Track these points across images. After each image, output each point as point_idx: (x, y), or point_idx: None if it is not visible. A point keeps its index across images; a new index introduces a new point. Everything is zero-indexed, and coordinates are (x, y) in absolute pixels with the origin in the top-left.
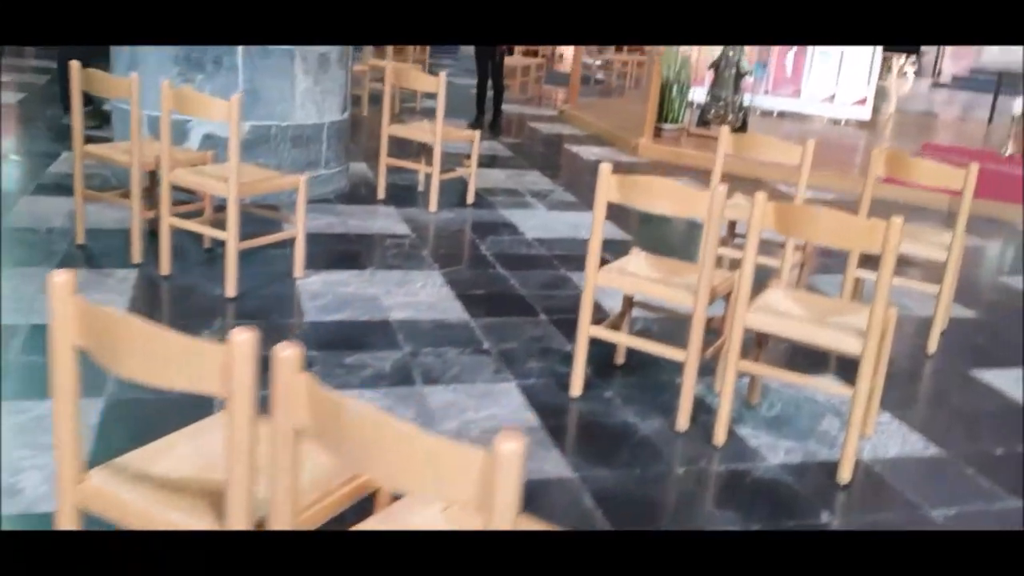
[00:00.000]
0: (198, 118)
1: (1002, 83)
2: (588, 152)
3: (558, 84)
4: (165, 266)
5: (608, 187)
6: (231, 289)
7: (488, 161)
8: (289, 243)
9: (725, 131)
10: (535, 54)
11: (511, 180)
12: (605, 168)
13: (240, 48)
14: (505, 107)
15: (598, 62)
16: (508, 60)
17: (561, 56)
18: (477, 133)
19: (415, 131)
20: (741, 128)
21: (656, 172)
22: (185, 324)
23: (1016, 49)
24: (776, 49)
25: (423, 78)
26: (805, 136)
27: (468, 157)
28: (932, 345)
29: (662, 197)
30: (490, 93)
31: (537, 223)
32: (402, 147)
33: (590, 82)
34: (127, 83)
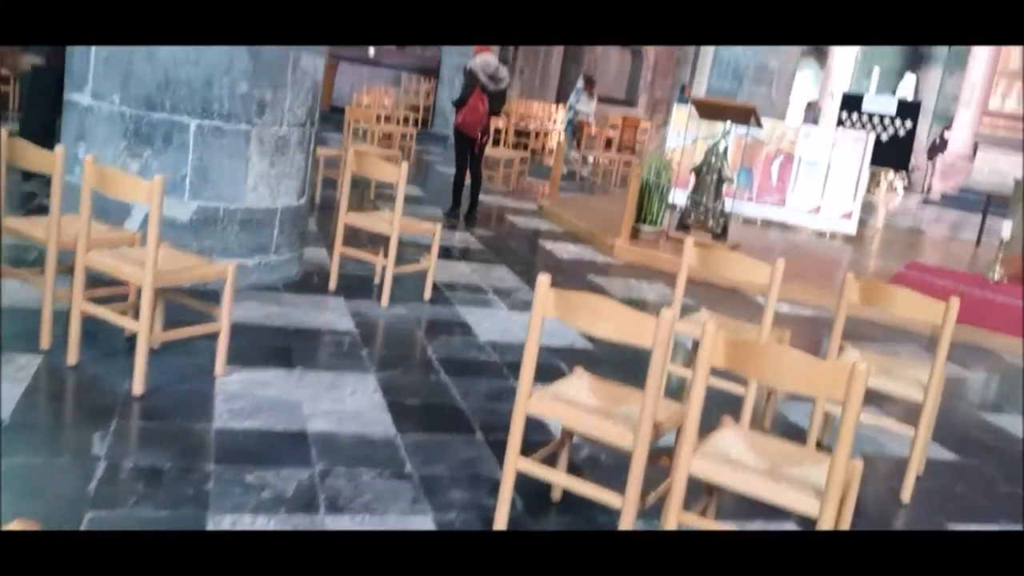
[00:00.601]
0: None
1: (990, 204)
2: (563, 250)
3: (543, 178)
4: (73, 355)
5: (545, 302)
6: (139, 386)
7: (456, 253)
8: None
9: (689, 243)
10: (524, 147)
11: (476, 275)
12: (543, 281)
13: (192, 125)
14: (485, 198)
15: (589, 157)
16: (492, 151)
17: (551, 151)
18: (438, 225)
19: (373, 221)
20: (721, 235)
21: (631, 274)
22: (78, 423)
23: (1005, 171)
24: (762, 157)
25: (383, 167)
26: (789, 247)
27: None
28: (907, 493)
29: (604, 319)
30: (470, 182)
31: (494, 324)
32: (371, 234)
33: (575, 178)
34: (51, 157)
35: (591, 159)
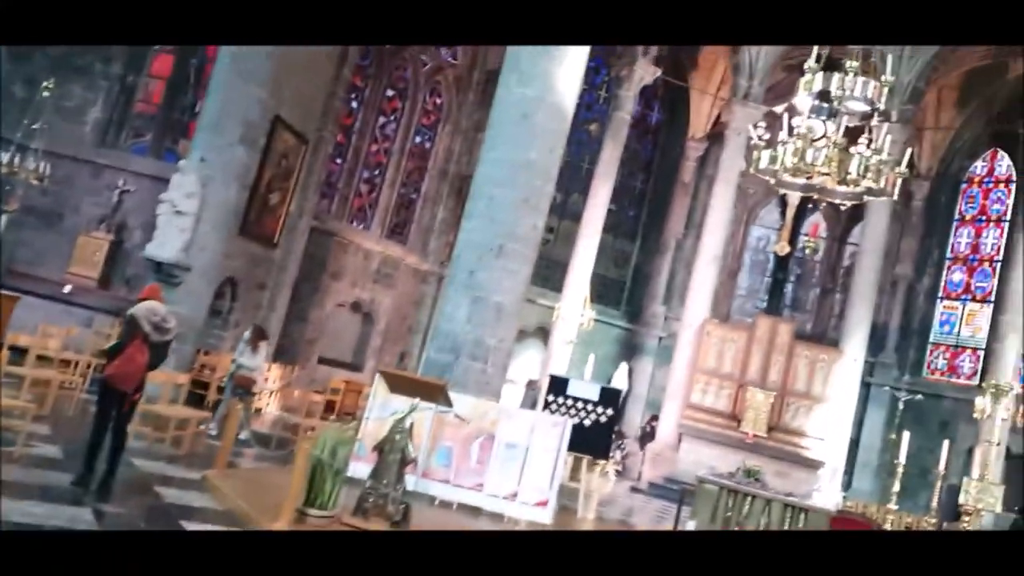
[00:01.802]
0: None
1: (684, 496)
2: None
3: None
4: None
5: None
6: None
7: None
8: None
9: None
10: (216, 407)
11: None
12: None
13: None
14: (144, 464)
15: (296, 421)
16: (166, 408)
17: (258, 410)
18: None
19: None
20: (402, 521)
21: None
22: None
23: (705, 462)
24: (461, 436)
25: None
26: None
27: None
28: None
29: None
30: (111, 444)
31: None
32: None
33: (271, 443)
34: None
35: (297, 425)
